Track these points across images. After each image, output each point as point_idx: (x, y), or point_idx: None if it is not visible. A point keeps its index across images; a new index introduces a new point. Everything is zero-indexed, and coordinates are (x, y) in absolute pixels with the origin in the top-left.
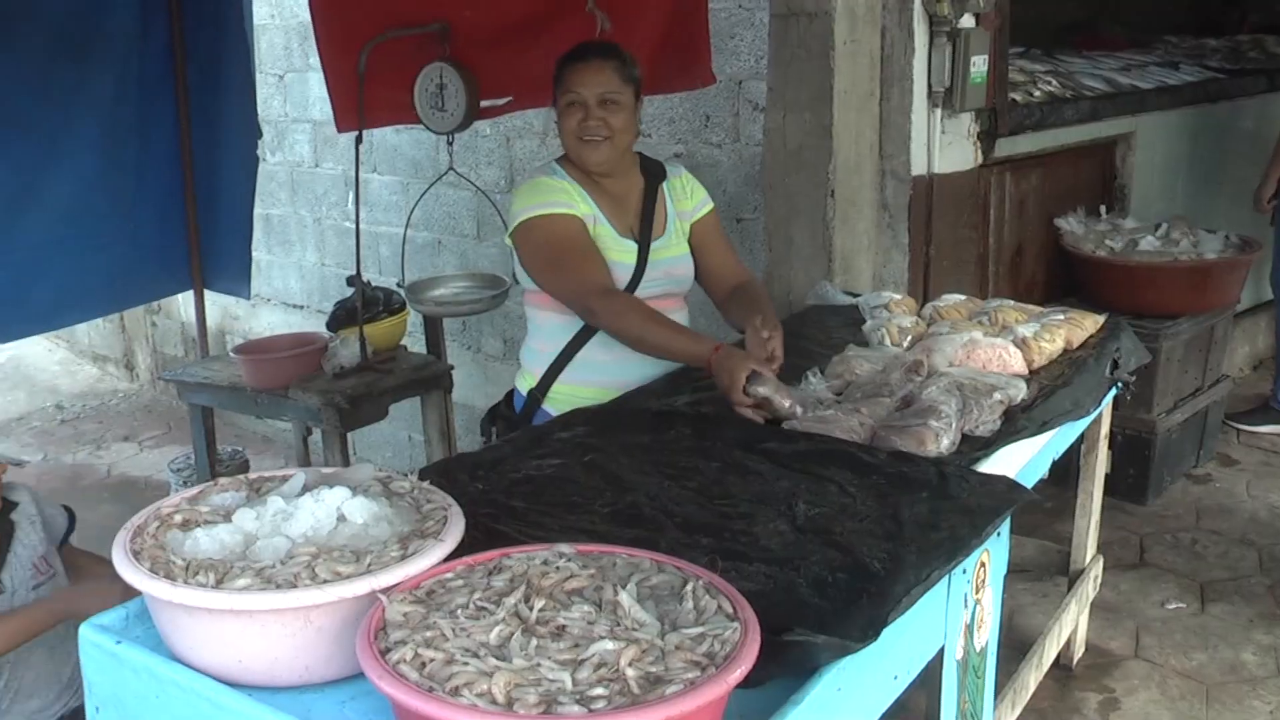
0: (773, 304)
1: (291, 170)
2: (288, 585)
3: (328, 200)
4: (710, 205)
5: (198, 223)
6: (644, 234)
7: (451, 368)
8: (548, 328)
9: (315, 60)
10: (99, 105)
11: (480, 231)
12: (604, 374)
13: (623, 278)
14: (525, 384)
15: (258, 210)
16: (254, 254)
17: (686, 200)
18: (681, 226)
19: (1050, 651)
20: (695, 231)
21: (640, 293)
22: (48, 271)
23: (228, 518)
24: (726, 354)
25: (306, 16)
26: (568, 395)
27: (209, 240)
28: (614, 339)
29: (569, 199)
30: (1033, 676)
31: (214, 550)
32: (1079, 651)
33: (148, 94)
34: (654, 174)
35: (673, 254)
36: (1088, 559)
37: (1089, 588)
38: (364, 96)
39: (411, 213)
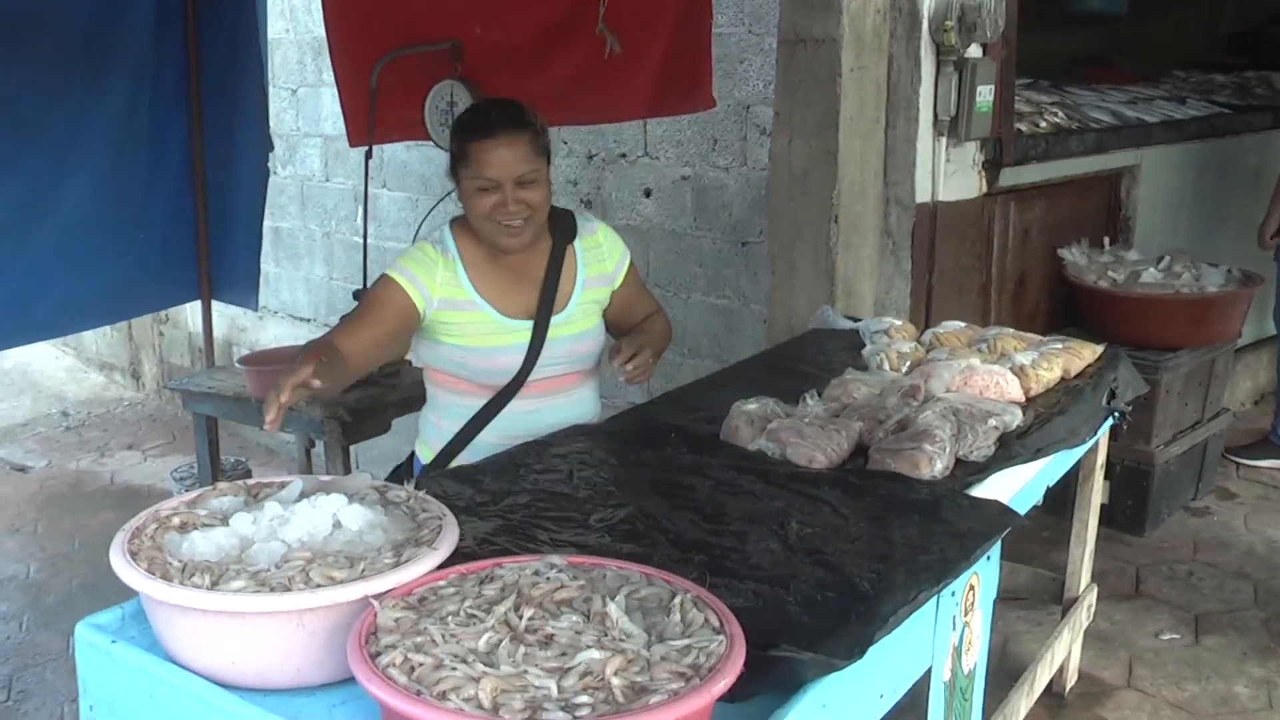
0: (662, 339)
1: (302, 184)
2: (282, 588)
3: (337, 215)
4: (629, 260)
5: (208, 234)
6: (543, 311)
7: None
8: (444, 404)
9: (328, 75)
10: (111, 116)
11: None
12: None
13: (514, 361)
14: (424, 453)
15: (267, 223)
16: (262, 266)
17: (602, 263)
18: (594, 295)
19: (1042, 678)
20: (617, 299)
21: (539, 373)
22: (57, 279)
23: (225, 521)
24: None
25: (320, 32)
26: None
27: (218, 251)
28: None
29: (425, 278)
30: (1024, 702)
31: (210, 553)
32: (1071, 679)
33: (161, 106)
34: (564, 231)
35: (576, 330)
36: (1082, 587)
37: (1083, 616)
38: (375, 112)
39: (419, 228)
